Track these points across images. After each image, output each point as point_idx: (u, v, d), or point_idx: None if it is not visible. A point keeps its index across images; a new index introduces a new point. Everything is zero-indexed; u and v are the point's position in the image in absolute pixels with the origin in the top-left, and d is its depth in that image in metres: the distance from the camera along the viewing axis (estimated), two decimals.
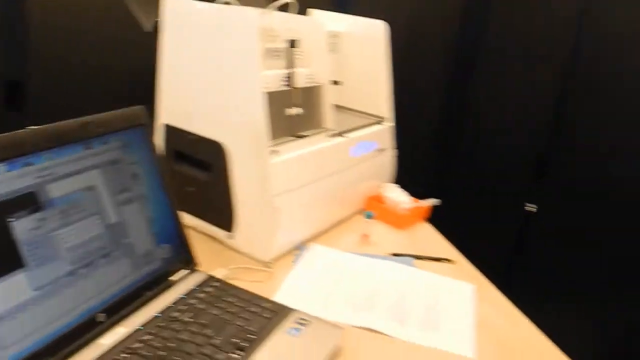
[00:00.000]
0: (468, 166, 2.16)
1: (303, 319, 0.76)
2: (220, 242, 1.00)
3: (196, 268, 0.84)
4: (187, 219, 1.00)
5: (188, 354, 0.65)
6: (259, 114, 0.88)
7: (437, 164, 2.21)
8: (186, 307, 0.74)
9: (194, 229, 1.02)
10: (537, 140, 1.96)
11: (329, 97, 1.08)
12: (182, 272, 0.81)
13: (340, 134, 1.09)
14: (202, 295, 0.77)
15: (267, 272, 0.92)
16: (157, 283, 0.77)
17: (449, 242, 1.12)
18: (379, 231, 1.12)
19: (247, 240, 0.96)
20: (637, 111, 1.69)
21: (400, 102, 1.90)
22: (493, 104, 2.08)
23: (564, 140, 1.89)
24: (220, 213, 0.98)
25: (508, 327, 0.87)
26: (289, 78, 0.98)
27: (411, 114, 2.09)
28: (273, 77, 0.95)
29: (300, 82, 1.00)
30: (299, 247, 1.01)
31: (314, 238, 1.06)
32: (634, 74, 1.70)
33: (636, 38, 1.70)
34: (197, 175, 0.99)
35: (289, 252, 0.99)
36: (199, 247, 0.85)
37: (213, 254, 0.95)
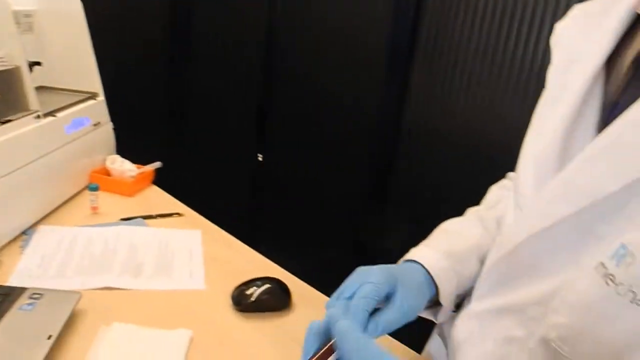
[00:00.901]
0: (198, 128, 2.28)
1: (36, 294, 0.79)
2: None
3: None
4: None
5: None
6: None
7: (168, 130, 2.28)
8: None
9: None
10: (254, 96, 2.15)
11: (30, 79, 1.07)
12: None
13: (50, 114, 1.10)
14: None
15: None
16: None
17: (177, 200, 1.23)
18: (108, 201, 1.17)
19: None
20: (334, 62, 1.95)
21: (122, 74, 1.91)
22: (211, 67, 2.21)
23: (277, 95, 2.10)
24: None
25: (235, 257, 1.01)
26: None
27: (134, 84, 2.11)
28: None
29: None
30: (26, 232, 1.01)
31: (42, 220, 1.07)
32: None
33: None
34: None
35: (16, 239, 0.99)
36: None
37: None
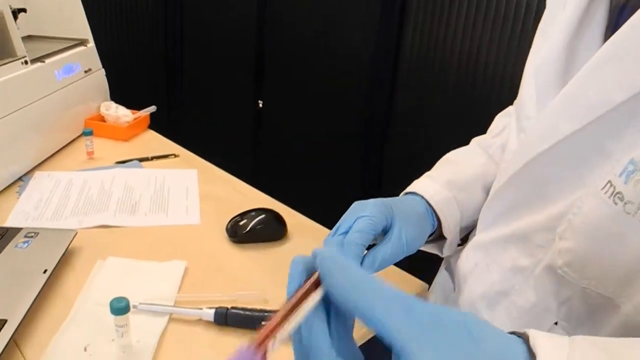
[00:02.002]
0: (196, 77, 2.26)
1: (31, 233, 0.80)
2: None
3: None
4: None
5: None
6: None
7: (166, 79, 2.27)
8: None
9: None
10: (252, 42, 2.12)
11: (14, 25, 1.05)
12: None
13: (39, 60, 1.09)
14: None
15: None
16: None
17: (174, 142, 1.22)
18: (104, 146, 1.17)
19: None
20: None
21: (118, 23, 1.89)
22: (207, 14, 2.18)
23: (274, 41, 2.07)
24: None
25: (232, 194, 1.02)
26: None
27: (131, 32, 2.09)
28: None
29: None
30: (22, 178, 1.02)
31: (38, 166, 1.07)
32: None
33: None
34: None
35: (12, 185, 1.00)
36: None
37: None
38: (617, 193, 0.43)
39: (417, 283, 0.80)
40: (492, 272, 0.59)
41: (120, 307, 0.61)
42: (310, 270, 0.36)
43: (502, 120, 0.78)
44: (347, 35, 1.81)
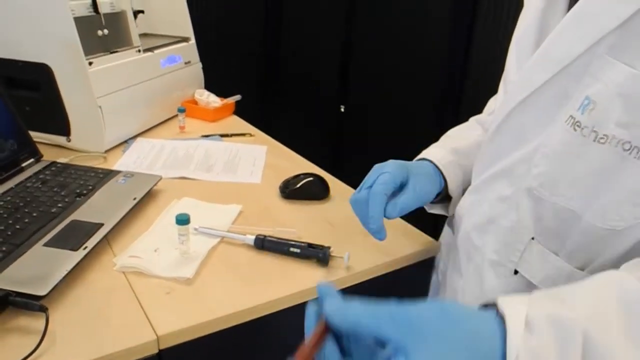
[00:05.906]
0: (287, 77, 2.50)
1: (129, 174, 1.03)
2: (63, 146, 1.22)
3: (42, 159, 1.07)
4: (32, 135, 1.20)
5: (41, 201, 0.90)
6: (72, 35, 1.11)
7: (262, 76, 2.51)
8: (36, 179, 0.98)
9: (40, 142, 1.21)
10: (337, 53, 2.32)
11: (134, 22, 1.32)
12: (30, 161, 1.04)
13: (149, 50, 1.35)
14: (48, 172, 1.02)
15: (102, 159, 1.17)
16: (9, 168, 1.00)
17: (254, 126, 1.43)
18: (194, 124, 1.40)
19: (83, 139, 1.20)
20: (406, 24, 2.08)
21: (221, 20, 2.14)
22: (300, 28, 2.42)
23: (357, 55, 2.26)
24: (57, 123, 1.19)
25: (289, 165, 1.19)
26: (94, 5, 1.21)
27: (231, 28, 2.35)
28: (78, 5, 1.17)
29: (104, 8, 1.23)
30: (127, 141, 1.27)
31: (140, 134, 1.32)
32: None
33: None
34: (30, 96, 1.20)
35: (119, 145, 1.25)
36: (45, 152, 1.09)
37: (57, 154, 1.17)
38: (577, 122, 0.56)
39: (427, 239, 0.94)
40: (483, 205, 0.73)
41: (182, 219, 0.80)
42: (319, 313, 0.46)
43: (495, 102, 0.90)
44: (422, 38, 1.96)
